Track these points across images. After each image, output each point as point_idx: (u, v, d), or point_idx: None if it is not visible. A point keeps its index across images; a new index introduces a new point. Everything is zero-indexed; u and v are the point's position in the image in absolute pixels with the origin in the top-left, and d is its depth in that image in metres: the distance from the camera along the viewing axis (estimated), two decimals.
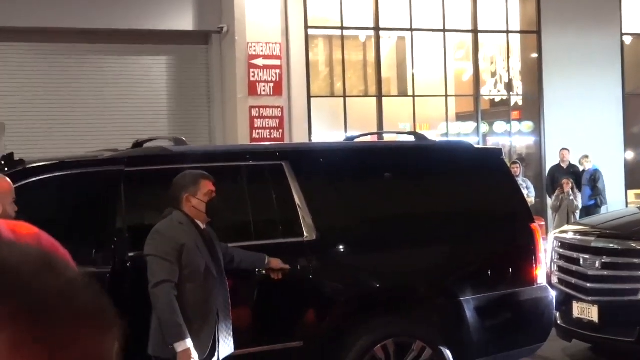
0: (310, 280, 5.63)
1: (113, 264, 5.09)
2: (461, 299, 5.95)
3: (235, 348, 4.93)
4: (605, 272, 7.09)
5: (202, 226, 4.85)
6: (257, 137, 12.91)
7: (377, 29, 14.56)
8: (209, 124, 13.56)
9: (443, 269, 6.11)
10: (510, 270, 6.37)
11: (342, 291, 5.80)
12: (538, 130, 15.55)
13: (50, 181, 5.20)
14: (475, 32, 15.28)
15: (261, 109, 13.04)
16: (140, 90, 13.16)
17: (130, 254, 5.10)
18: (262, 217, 5.79)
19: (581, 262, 7.26)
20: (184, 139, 6.12)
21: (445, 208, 6.35)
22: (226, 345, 4.85)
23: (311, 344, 5.50)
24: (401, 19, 14.66)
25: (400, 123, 14.97)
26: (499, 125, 15.75)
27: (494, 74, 15.86)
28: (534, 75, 15.59)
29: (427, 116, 15.48)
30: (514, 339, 6.34)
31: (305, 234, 5.65)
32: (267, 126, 13.05)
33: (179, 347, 4.51)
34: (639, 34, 16.40)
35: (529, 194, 13.05)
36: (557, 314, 7.12)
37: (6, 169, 5.01)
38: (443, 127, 15.18)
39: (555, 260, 7.66)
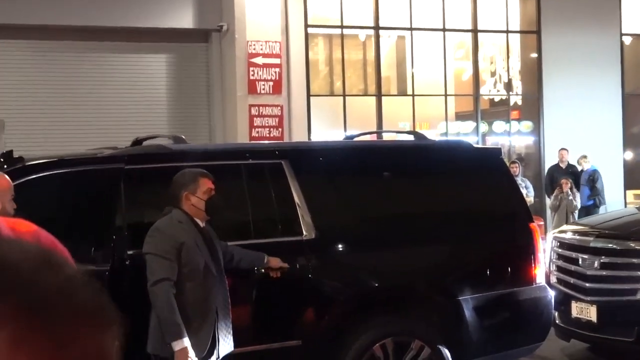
0: (309, 279, 5.63)
1: (112, 261, 5.09)
2: (460, 298, 5.95)
3: (235, 346, 4.93)
4: (604, 272, 7.09)
5: (202, 224, 4.85)
6: (257, 135, 12.90)
7: (377, 28, 14.56)
8: (209, 122, 13.55)
9: (442, 268, 6.12)
10: (509, 269, 6.37)
11: (341, 290, 5.80)
12: (537, 130, 15.56)
13: (50, 179, 5.19)
14: (475, 31, 15.28)
15: (261, 108, 13.04)
16: (140, 88, 13.16)
17: (130, 252, 5.09)
18: (261, 216, 5.79)
19: (580, 262, 7.26)
20: (183, 137, 6.12)
21: (444, 207, 6.35)
22: (226, 343, 4.85)
23: (310, 342, 5.50)
24: (401, 18, 14.65)
25: (399, 122, 14.96)
26: (498, 125, 15.75)
27: (493, 74, 15.86)
28: (533, 75, 15.59)
29: (427, 115, 15.48)
30: (512, 338, 6.34)
31: (304, 232, 5.65)
32: (267, 125, 13.05)
33: (177, 345, 4.51)
34: (639, 34, 16.40)
35: (528, 193, 13.05)
36: (556, 314, 7.12)
37: (5, 166, 5.00)
38: (442, 127, 15.18)
39: (554, 260, 7.66)
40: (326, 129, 14.25)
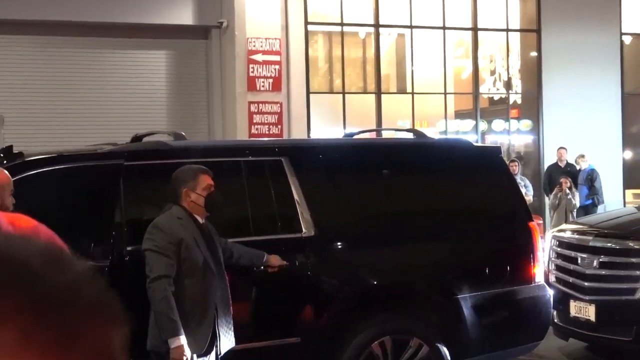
0: (308, 276, 5.63)
1: (111, 257, 5.09)
2: (459, 296, 5.95)
3: (235, 343, 4.93)
4: (603, 271, 7.09)
5: (201, 221, 4.85)
6: (256, 132, 12.90)
7: (376, 25, 14.55)
8: (208, 119, 13.54)
9: (441, 266, 6.12)
10: (508, 268, 6.37)
11: (340, 287, 5.80)
12: (537, 129, 15.55)
13: (49, 174, 5.19)
14: (475, 30, 15.27)
15: (260, 105, 13.03)
16: (140, 84, 13.15)
17: (129, 248, 5.09)
18: (260, 213, 5.78)
19: (579, 261, 7.26)
20: (183, 133, 6.12)
21: (443, 205, 6.35)
22: (227, 339, 4.85)
23: (309, 339, 5.51)
24: (401, 16, 14.64)
25: (399, 120, 14.95)
26: (498, 124, 15.75)
27: (493, 72, 15.86)
28: (533, 73, 15.58)
29: (426, 113, 15.47)
30: (511, 337, 6.34)
31: (303, 229, 5.64)
32: (266, 122, 13.04)
33: (173, 342, 4.51)
34: (639, 34, 16.40)
35: (527, 192, 13.05)
36: (555, 313, 7.13)
37: (5, 161, 5.00)
38: (442, 125, 15.18)
39: (553, 259, 7.66)
40: (325, 126, 14.25)
